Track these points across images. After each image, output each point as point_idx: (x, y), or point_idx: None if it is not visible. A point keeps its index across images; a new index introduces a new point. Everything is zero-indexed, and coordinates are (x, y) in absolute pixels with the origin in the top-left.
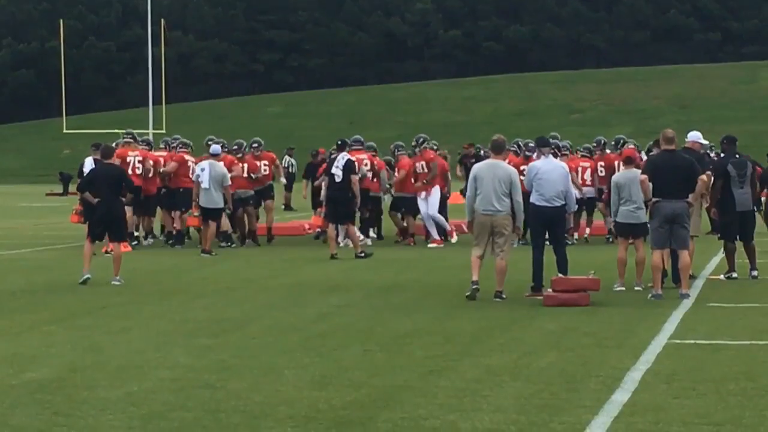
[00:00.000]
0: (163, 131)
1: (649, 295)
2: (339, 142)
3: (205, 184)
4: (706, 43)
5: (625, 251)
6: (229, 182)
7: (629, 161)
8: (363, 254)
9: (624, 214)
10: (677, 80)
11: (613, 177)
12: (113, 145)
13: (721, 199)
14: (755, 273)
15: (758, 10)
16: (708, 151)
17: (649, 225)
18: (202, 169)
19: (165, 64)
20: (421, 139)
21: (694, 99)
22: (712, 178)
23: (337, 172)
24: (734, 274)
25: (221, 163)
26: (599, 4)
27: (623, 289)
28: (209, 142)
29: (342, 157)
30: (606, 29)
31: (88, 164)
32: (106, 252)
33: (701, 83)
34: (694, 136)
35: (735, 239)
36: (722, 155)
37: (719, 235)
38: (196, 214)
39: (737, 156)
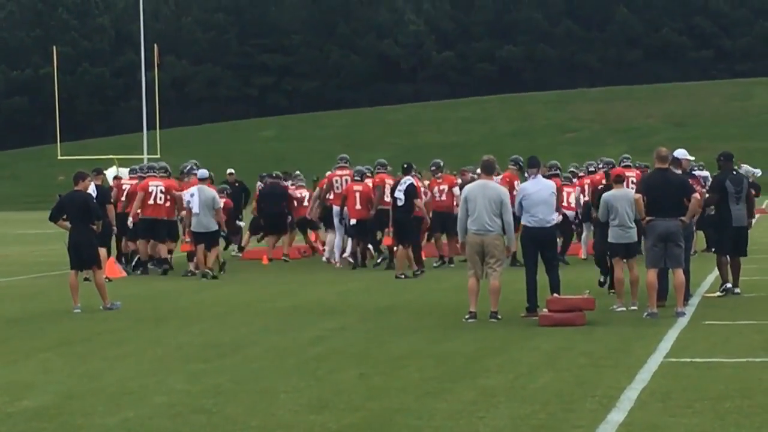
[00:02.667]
0: (158, 156)
1: (645, 314)
2: (405, 166)
3: (195, 209)
4: (699, 61)
5: (621, 271)
6: (220, 205)
7: (619, 180)
8: (403, 276)
9: (616, 234)
10: (671, 98)
11: (603, 195)
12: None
13: (717, 214)
14: (737, 290)
15: (750, 28)
16: (692, 170)
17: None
18: (192, 195)
19: (158, 89)
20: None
21: (688, 117)
22: (706, 195)
23: (400, 195)
24: (728, 284)
25: (210, 188)
26: (591, 24)
27: (624, 309)
28: (190, 168)
29: (404, 181)
30: (599, 48)
31: (91, 189)
32: (86, 279)
33: (695, 101)
34: (681, 153)
35: (727, 253)
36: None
37: (714, 249)
38: (187, 240)
39: (734, 172)
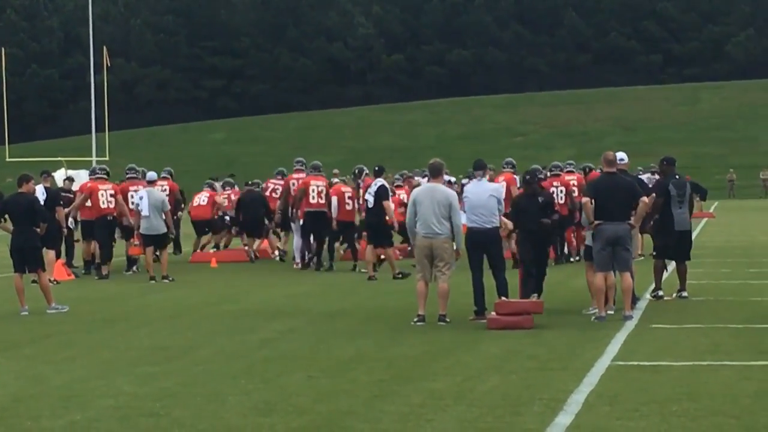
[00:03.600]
0: (107, 158)
1: (593, 317)
2: (376, 168)
3: (145, 212)
4: (647, 66)
5: (593, 275)
6: (168, 207)
7: None
8: (400, 275)
9: None
10: (619, 102)
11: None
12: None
13: (660, 218)
14: (684, 294)
15: (699, 32)
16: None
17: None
18: (141, 197)
19: (107, 91)
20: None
21: (637, 121)
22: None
23: (369, 198)
24: (660, 293)
25: (158, 190)
26: (541, 28)
27: (601, 314)
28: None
29: (375, 183)
30: (548, 52)
31: (39, 192)
32: (34, 281)
33: (643, 105)
34: (619, 155)
35: (665, 257)
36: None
37: (654, 252)
38: (136, 243)
39: (677, 177)
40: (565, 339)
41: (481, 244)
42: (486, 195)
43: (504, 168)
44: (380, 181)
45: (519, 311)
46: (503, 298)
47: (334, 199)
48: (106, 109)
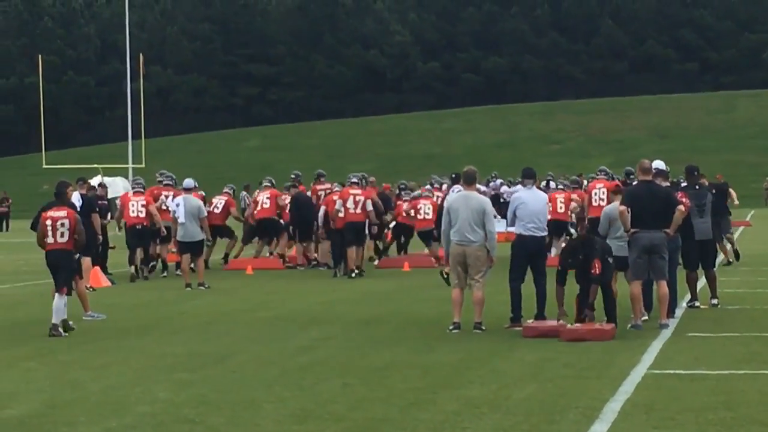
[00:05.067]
0: (143, 165)
1: (629, 326)
2: (453, 176)
3: (181, 219)
4: (684, 74)
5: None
6: (205, 214)
7: (618, 191)
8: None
9: (617, 248)
10: (656, 110)
11: (605, 208)
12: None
13: (682, 229)
14: (715, 302)
15: (735, 40)
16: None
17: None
18: (177, 204)
19: (144, 98)
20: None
21: (673, 129)
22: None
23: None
24: (696, 303)
25: (195, 197)
26: (577, 35)
27: (637, 322)
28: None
29: (453, 190)
30: (584, 60)
31: (75, 198)
32: None
33: (680, 113)
34: (657, 164)
35: (696, 268)
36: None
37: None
38: (173, 250)
39: (696, 187)
40: (600, 347)
41: (530, 251)
42: (542, 203)
43: (598, 175)
44: (457, 188)
45: (545, 334)
46: (538, 306)
47: (339, 202)
48: (142, 116)
